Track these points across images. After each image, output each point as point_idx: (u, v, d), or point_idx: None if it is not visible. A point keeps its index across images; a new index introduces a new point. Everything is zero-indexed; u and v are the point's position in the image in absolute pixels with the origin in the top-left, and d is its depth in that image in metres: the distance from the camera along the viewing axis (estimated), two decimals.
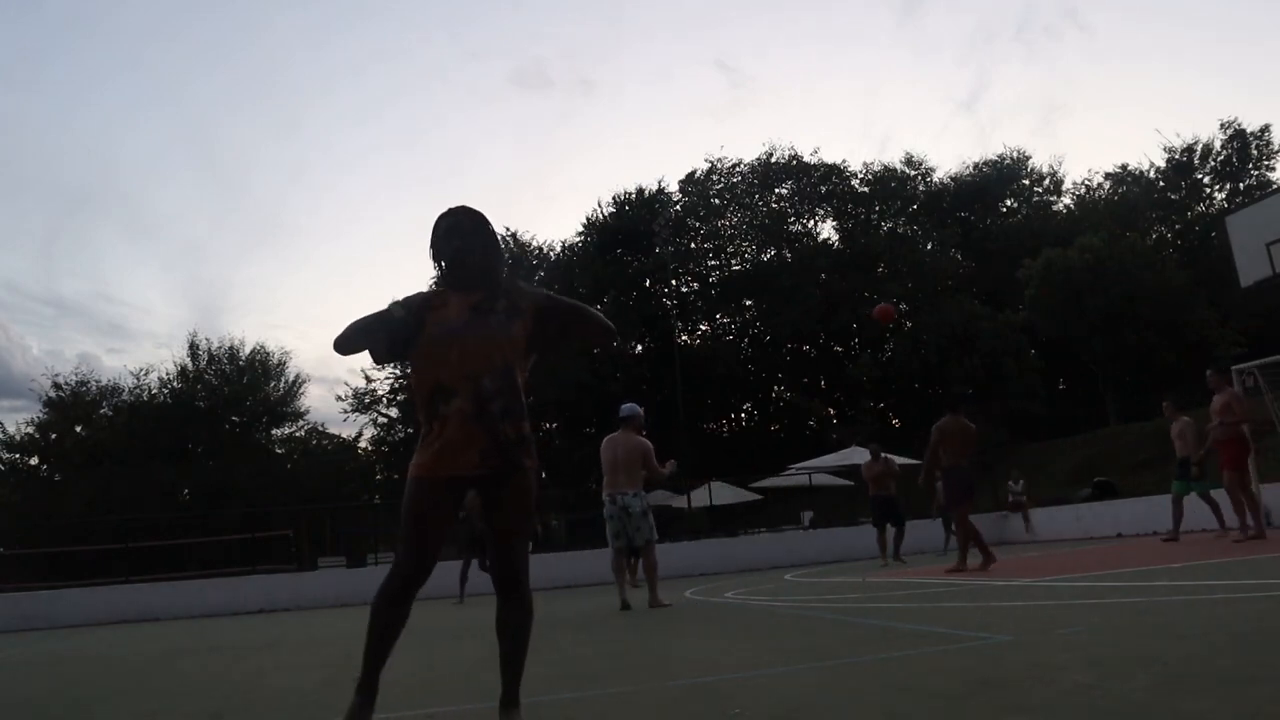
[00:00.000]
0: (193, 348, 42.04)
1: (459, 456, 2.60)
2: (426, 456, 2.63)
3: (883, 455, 13.51)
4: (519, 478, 2.65)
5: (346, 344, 2.75)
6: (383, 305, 2.71)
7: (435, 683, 4.28)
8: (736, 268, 45.30)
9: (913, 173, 46.14)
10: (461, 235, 2.77)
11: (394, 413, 42.44)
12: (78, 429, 39.33)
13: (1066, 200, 46.28)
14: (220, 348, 42.42)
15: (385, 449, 43.74)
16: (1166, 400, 11.42)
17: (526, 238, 43.92)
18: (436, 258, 2.82)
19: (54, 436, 39.02)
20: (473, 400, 2.60)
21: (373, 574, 14.49)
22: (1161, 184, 41.95)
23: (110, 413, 40.00)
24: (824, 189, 45.54)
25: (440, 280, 2.87)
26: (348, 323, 2.74)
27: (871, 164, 45.77)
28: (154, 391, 40.75)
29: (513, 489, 2.64)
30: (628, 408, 8.29)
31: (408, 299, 2.73)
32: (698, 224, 45.42)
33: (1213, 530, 11.44)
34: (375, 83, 77.63)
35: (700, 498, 23.55)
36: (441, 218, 2.81)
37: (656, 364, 39.95)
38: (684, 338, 42.54)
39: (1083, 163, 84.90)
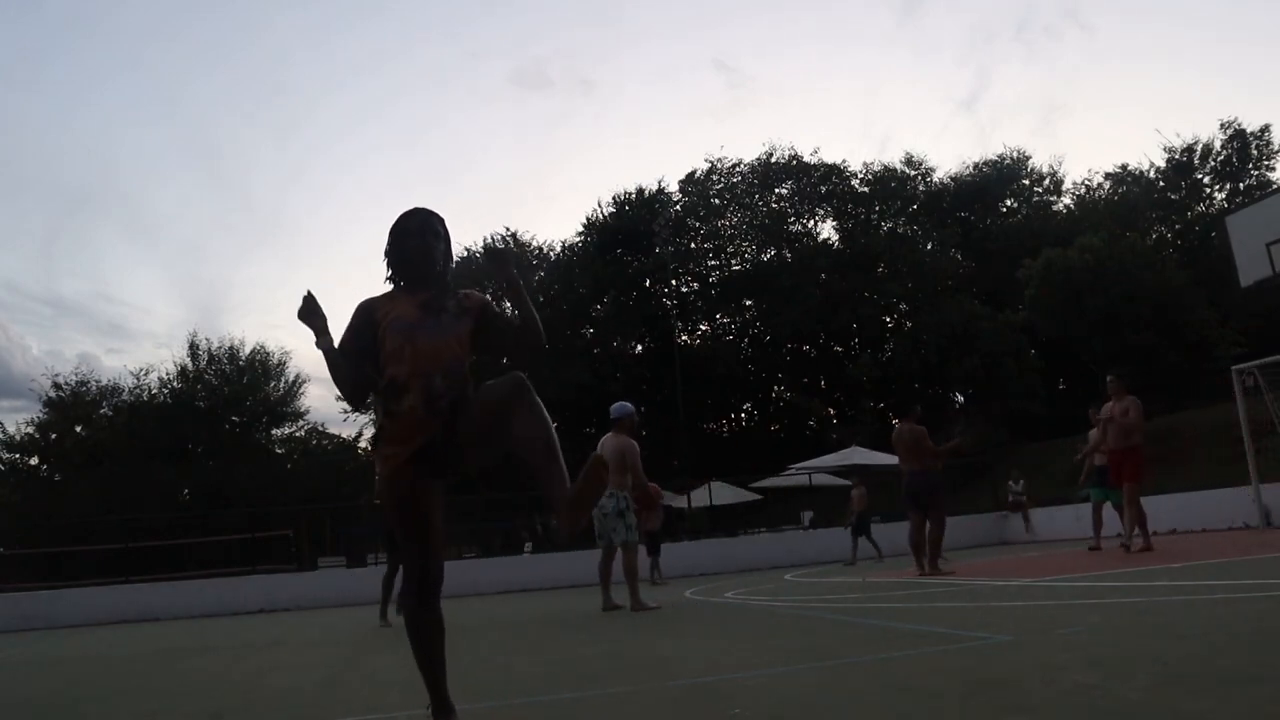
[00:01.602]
0: (193, 348, 41.94)
1: (410, 441, 2.63)
2: (380, 456, 2.68)
3: None
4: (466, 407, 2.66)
5: (352, 397, 2.84)
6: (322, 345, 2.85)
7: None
8: (736, 268, 45.24)
9: (913, 173, 46.03)
10: (422, 234, 2.84)
11: None
12: (78, 429, 39.23)
13: (1066, 200, 46.18)
14: (220, 348, 42.28)
15: None
16: (1092, 407, 11.31)
17: (526, 238, 43.93)
18: (394, 254, 2.87)
19: (54, 436, 38.92)
20: (424, 399, 2.64)
21: (373, 574, 14.43)
22: (1161, 184, 41.85)
23: (110, 413, 39.88)
24: (824, 189, 45.44)
25: (392, 279, 2.91)
26: (334, 382, 2.83)
27: (871, 164, 45.64)
28: (154, 391, 40.63)
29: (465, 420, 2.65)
30: (617, 408, 8.14)
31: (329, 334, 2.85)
32: (698, 224, 45.36)
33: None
34: (375, 83, 77.63)
35: (700, 498, 23.53)
36: (403, 216, 2.88)
37: (656, 364, 39.91)
38: (684, 338, 42.49)
39: (1083, 163, 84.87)
